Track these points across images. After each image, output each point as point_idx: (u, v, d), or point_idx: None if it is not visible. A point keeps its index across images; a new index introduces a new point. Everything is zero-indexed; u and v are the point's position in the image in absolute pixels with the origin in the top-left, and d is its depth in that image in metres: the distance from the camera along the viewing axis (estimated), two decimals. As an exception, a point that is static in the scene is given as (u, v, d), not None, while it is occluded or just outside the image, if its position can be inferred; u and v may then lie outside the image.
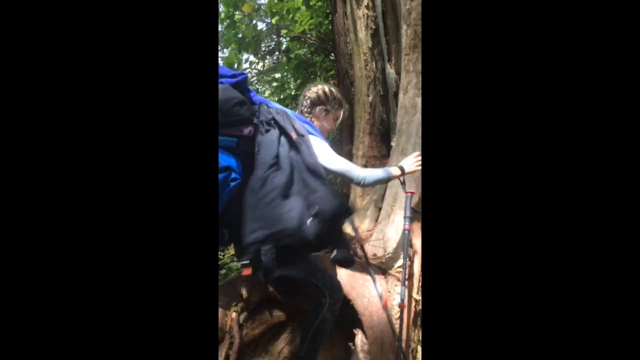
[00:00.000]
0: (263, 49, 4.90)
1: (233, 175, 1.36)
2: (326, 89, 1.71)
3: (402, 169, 1.64)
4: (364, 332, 1.64)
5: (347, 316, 1.65)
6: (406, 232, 1.70)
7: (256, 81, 5.85)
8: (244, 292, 1.57)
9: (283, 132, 1.45)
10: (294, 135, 1.44)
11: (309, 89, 1.73)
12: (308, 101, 1.69)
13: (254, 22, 4.42)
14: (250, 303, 1.59)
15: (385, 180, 1.66)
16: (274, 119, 1.46)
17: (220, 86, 1.41)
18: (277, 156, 1.39)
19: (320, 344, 1.49)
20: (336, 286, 1.53)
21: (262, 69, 5.83)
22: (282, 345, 1.65)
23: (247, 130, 1.43)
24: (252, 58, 5.38)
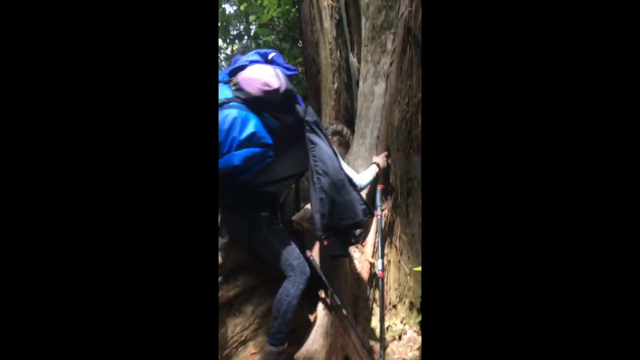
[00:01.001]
0: (232, 33, 4.94)
1: (270, 153, 1.60)
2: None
3: (378, 165, 2.04)
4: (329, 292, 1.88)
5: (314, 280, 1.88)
6: (378, 217, 2.03)
7: (225, 65, 5.88)
8: (219, 258, 1.75)
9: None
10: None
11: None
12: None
13: (223, 6, 4.45)
14: (225, 268, 1.78)
15: (373, 180, 2.02)
16: (316, 122, 1.72)
17: (284, 75, 1.63)
18: (338, 160, 1.70)
19: (290, 319, 1.69)
20: (304, 266, 1.75)
21: (230, 54, 5.85)
22: (253, 306, 1.85)
23: (291, 119, 1.67)
24: (220, 43, 5.40)
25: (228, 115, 1.52)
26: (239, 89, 1.59)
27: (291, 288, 1.70)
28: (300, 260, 1.74)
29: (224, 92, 1.60)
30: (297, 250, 1.75)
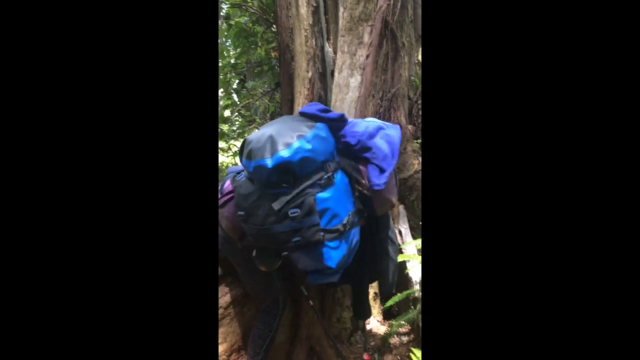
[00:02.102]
0: (202, 11, 4.73)
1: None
2: None
3: None
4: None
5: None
6: None
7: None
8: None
9: None
10: None
11: None
12: None
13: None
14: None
15: None
16: None
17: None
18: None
19: (269, 348, 1.67)
20: (276, 305, 1.71)
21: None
22: (219, 295, 1.82)
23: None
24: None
25: (352, 240, 1.33)
26: (368, 204, 1.40)
27: (274, 322, 1.67)
28: (274, 300, 1.69)
29: (342, 199, 1.28)
30: (274, 284, 1.69)
